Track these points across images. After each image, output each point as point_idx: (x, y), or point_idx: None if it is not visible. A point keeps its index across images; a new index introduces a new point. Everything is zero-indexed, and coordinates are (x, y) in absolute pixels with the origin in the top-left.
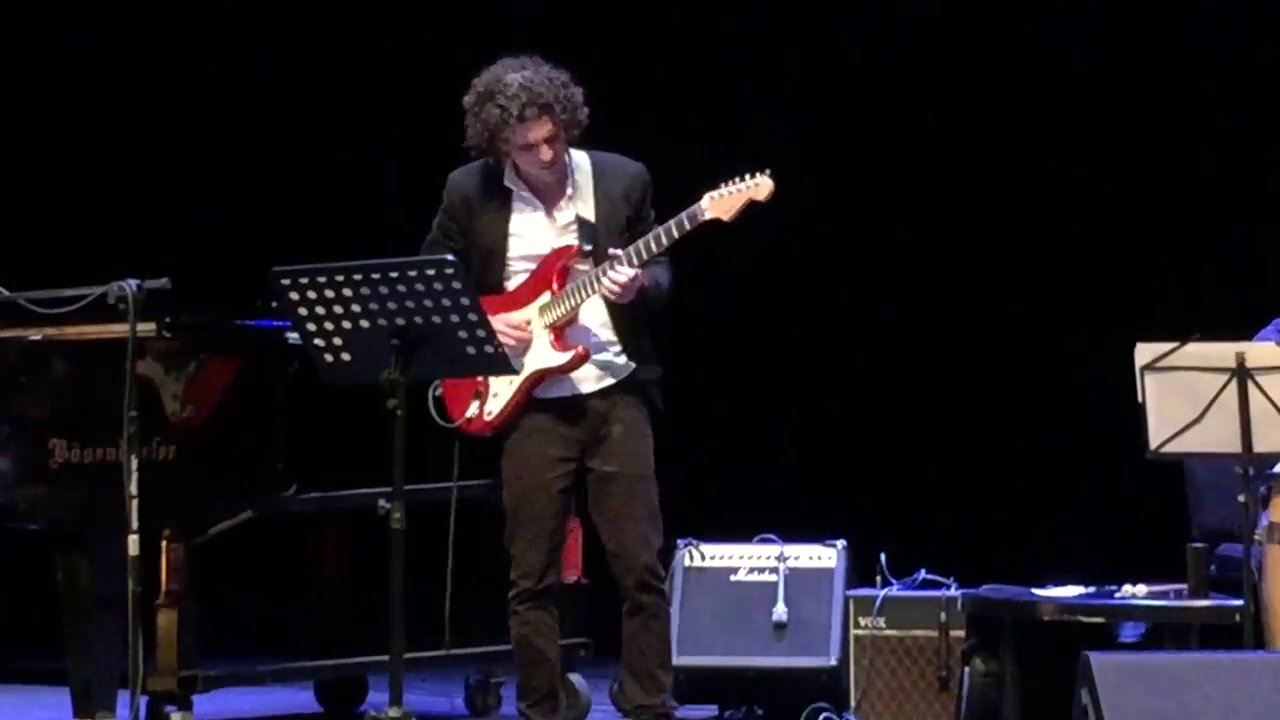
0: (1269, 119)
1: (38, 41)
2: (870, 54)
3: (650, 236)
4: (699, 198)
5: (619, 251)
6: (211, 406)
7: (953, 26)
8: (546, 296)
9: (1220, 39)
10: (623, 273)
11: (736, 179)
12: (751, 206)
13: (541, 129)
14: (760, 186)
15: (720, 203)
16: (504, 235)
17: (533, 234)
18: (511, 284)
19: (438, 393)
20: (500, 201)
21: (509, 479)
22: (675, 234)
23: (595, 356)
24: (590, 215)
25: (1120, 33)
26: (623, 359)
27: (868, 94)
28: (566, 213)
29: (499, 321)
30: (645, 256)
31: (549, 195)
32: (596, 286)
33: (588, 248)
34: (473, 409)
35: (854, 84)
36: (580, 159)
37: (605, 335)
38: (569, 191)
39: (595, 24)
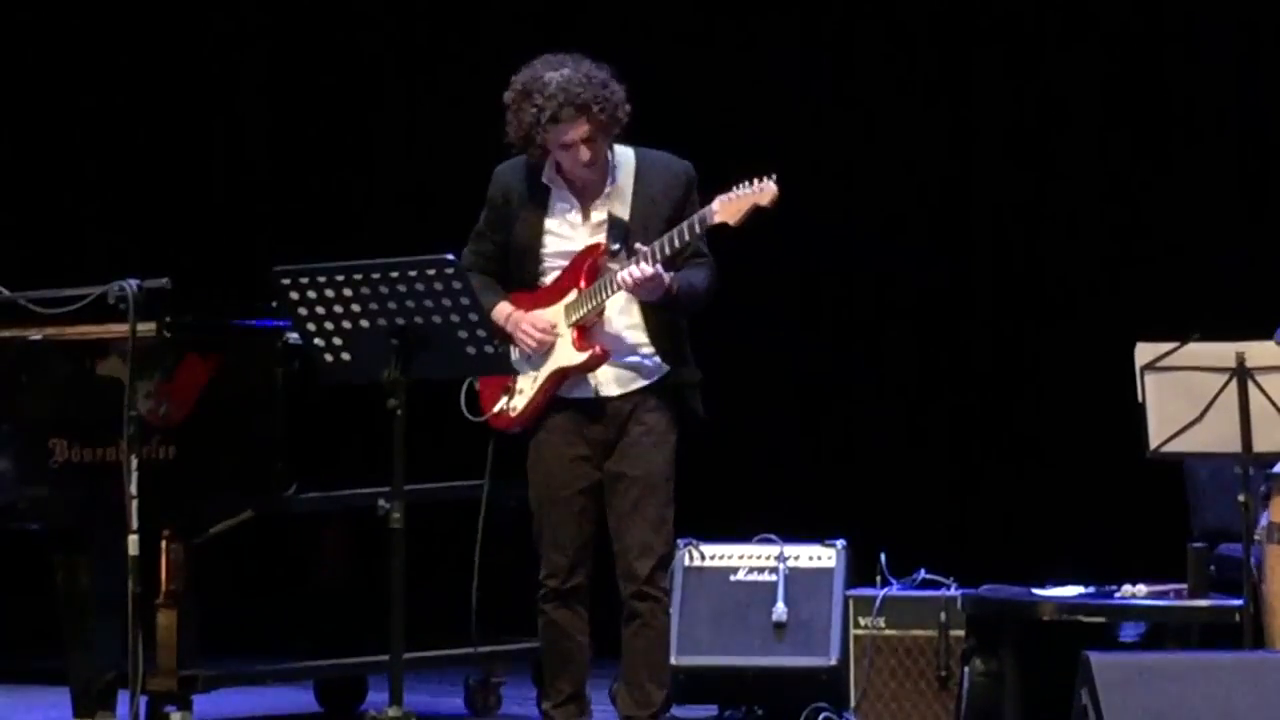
0: (1269, 118)
1: (36, 41)
2: (868, 51)
3: (665, 238)
4: (711, 197)
5: (644, 248)
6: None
7: (952, 24)
8: (573, 294)
9: (1221, 37)
10: (642, 268)
11: (745, 182)
12: (757, 212)
13: (578, 129)
14: (764, 192)
15: (728, 207)
16: (539, 233)
17: (567, 232)
18: (547, 280)
19: (476, 386)
20: (539, 198)
21: (533, 480)
22: (687, 236)
23: (621, 359)
24: (624, 214)
25: (1121, 32)
26: (653, 361)
27: (865, 91)
28: (602, 211)
29: (525, 321)
30: (660, 256)
31: (586, 193)
32: (618, 282)
33: (615, 246)
34: (500, 404)
35: (851, 80)
36: (624, 155)
37: (634, 337)
38: (607, 190)
39: (598, 22)
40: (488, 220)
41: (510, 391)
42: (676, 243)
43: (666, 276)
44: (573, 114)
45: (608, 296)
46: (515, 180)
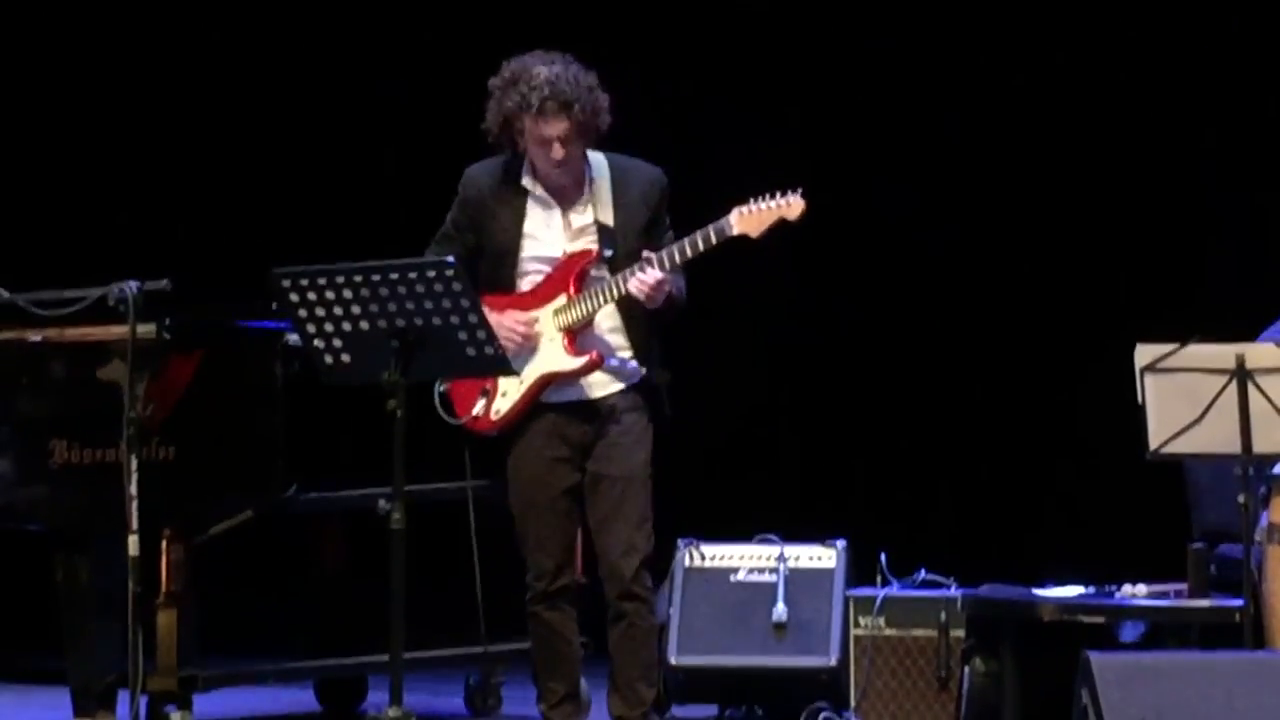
0: (1269, 118)
1: (36, 42)
2: (870, 54)
3: (676, 246)
4: (719, 209)
5: (651, 254)
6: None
7: (953, 25)
8: (562, 300)
9: (1221, 37)
10: (653, 274)
11: (766, 196)
12: (781, 225)
13: (557, 125)
14: (792, 206)
15: (749, 220)
16: (518, 236)
17: (547, 236)
18: (524, 284)
19: (443, 389)
20: (516, 201)
21: (513, 482)
22: (701, 247)
23: (605, 361)
24: (609, 220)
25: (1122, 32)
26: (633, 364)
27: (866, 94)
28: (583, 216)
29: (510, 318)
30: (670, 265)
31: (565, 197)
32: (622, 287)
33: (608, 253)
34: (479, 407)
35: (853, 84)
36: (599, 162)
37: (617, 340)
38: (585, 195)
39: (599, 24)
40: (456, 221)
41: (490, 394)
42: (689, 252)
43: (672, 284)
44: (555, 109)
45: (601, 304)
46: (490, 181)
